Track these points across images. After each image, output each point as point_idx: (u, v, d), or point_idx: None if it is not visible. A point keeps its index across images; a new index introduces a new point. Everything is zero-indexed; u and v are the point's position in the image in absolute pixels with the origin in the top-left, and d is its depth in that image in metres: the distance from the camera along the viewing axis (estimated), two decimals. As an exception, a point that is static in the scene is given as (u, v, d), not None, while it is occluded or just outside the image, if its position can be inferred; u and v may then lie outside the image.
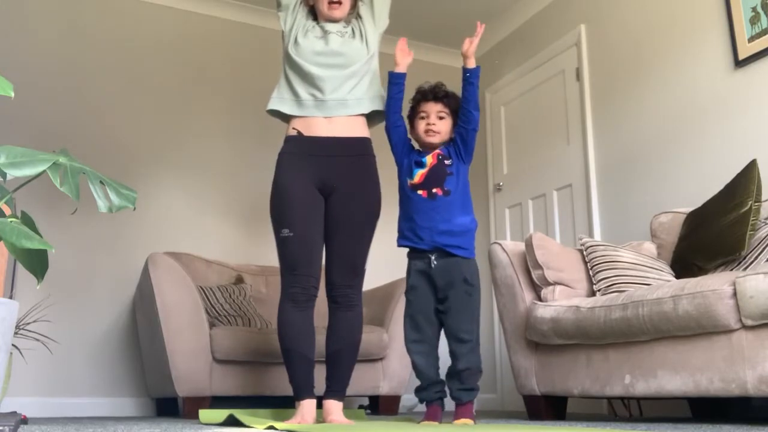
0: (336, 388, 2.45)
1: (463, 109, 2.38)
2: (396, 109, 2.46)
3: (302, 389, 2.38)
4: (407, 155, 2.45)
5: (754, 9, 3.07)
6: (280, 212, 2.45)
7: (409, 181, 2.40)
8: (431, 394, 2.35)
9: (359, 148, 2.53)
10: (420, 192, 2.37)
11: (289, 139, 2.53)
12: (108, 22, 4.29)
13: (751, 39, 3.08)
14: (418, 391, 2.38)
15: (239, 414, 2.43)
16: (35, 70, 4.03)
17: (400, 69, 2.46)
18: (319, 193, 2.47)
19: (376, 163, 2.57)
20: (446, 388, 2.37)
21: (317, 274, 2.45)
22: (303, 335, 2.40)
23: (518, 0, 4.61)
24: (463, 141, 2.40)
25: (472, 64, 2.38)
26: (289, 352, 2.40)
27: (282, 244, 2.43)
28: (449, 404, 2.39)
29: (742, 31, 3.11)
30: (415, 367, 2.36)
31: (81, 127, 4.08)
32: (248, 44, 4.60)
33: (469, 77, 2.37)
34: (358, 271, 2.50)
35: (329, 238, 2.49)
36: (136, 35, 4.35)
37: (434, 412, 2.35)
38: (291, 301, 2.40)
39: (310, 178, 2.46)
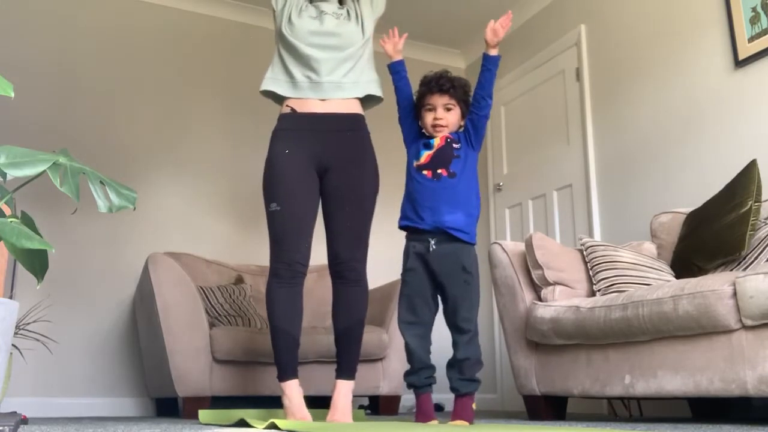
0: (348, 366, 2.44)
1: (478, 95, 2.38)
2: (404, 98, 2.48)
3: (284, 369, 2.36)
4: (416, 141, 2.45)
5: (754, 9, 3.07)
6: (270, 186, 2.43)
7: (415, 163, 2.40)
8: (421, 378, 2.30)
9: (354, 123, 2.52)
10: (425, 172, 2.36)
11: (283, 117, 2.51)
12: (107, 22, 4.29)
13: (751, 39, 3.08)
14: (407, 375, 2.34)
15: (247, 417, 2.42)
16: (35, 70, 4.03)
17: (396, 57, 2.51)
18: (314, 171, 2.46)
19: (371, 140, 2.56)
20: (435, 375, 2.34)
21: (304, 251, 2.40)
22: (287, 312, 2.36)
23: (518, 0, 4.61)
24: (474, 127, 2.40)
25: (494, 52, 2.38)
26: (273, 329, 2.38)
27: (269, 219, 2.41)
28: (448, 402, 2.38)
29: (742, 31, 3.11)
30: (407, 348, 2.32)
31: (81, 127, 4.08)
32: (248, 44, 4.60)
33: (489, 64, 2.38)
34: (363, 242, 2.47)
35: (331, 214, 2.47)
36: (135, 35, 4.35)
37: (426, 406, 2.30)
38: (275, 276, 2.38)
39: (305, 155, 2.44)
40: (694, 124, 3.35)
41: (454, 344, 2.30)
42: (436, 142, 2.38)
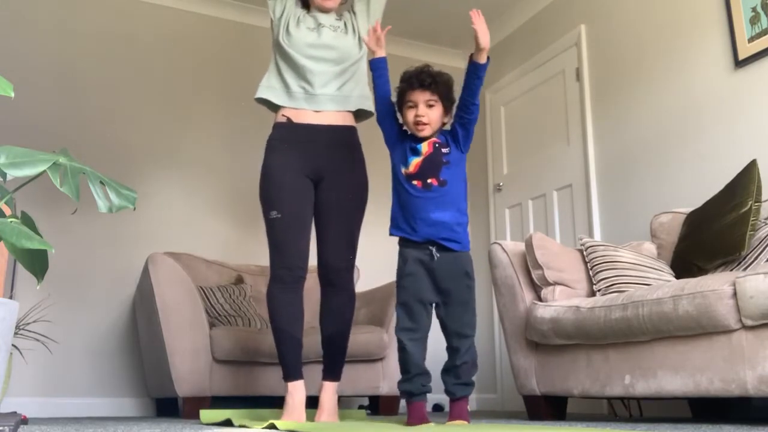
0: (334, 369, 2.53)
1: (467, 101, 2.28)
2: (382, 97, 2.36)
3: (289, 370, 2.43)
4: (400, 142, 2.34)
5: (754, 9, 3.07)
6: (269, 195, 2.49)
7: (403, 170, 2.29)
8: (417, 386, 2.21)
9: (346, 135, 2.58)
10: (415, 182, 2.26)
11: (278, 126, 2.57)
12: (107, 22, 4.29)
13: (751, 39, 3.08)
14: (402, 382, 2.25)
15: (236, 417, 2.44)
16: (35, 71, 4.03)
17: (378, 53, 2.37)
18: (308, 179, 2.52)
19: (362, 152, 2.62)
20: (431, 384, 2.26)
21: (304, 256, 2.47)
22: (290, 315, 2.44)
23: (518, 0, 4.61)
24: (465, 131, 2.30)
25: (484, 58, 2.25)
26: (276, 332, 2.45)
27: (270, 226, 2.47)
28: (447, 402, 2.35)
29: (742, 31, 3.11)
30: (405, 354, 2.22)
31: (81, 127, 4.08)
32: (249, 44, 4.60)
33: (480, 72, 2.26)
34: (351, 251, 2.55)
35: (322, 222, 2.54)
36: (135, 35, 4.35)
37: (420, 413, 2.22)
38: (278, 282, 2.45)
39: (299, 164, 2.50)
40: (694, 124, 3.35)
41: (454, 350, 2.24)
42: (424, 148, 2.28)
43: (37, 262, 1.72)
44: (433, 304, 2.29)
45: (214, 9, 4.59)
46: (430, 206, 2.25)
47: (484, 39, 2.22)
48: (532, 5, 4.58)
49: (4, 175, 1.59)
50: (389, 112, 2.38)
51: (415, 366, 2.21)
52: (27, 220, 1.73)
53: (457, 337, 2.24)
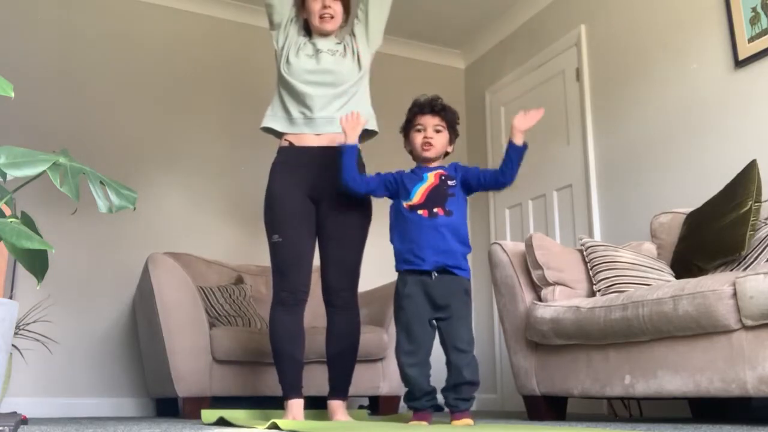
0: (339, 388, 2.53)
1: (499, 181, 2.36)
2: (368, 180, 2.42)
3: (290, 389, 2.46)
4: (401, 186, 2.38)
5: (754, 9, 3.08)
6: (272, 219, 2.53)
7: (405, 203, 2.34)
8: (423, 403, 2.29)
9: None
10: (420, 212, 2.30)
11: (281, 150, 2.61)
12: (107, 22, 4.29)
13: (751, 39, 3.08)
14: (408, 399, 2.31)
15: (230, 417, 2.45)
16: (36, 71, 4.03)
17: (351, 140, 2.39)
18: (310, 201, 2.54)
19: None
20: (437, 396, 2.31)
21: (306, 278, 2.51)
22: (291, 338, 2.47)
23: (518, 0, 4.61)
24: (480, 188, 2.40)
25: (519, 140, 2.32)
26: (278, 353, 2.48)
27: (273, 249, 2.52)
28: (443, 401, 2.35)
29: (742, 31, 3.11)
30: (406, 378, 2.28)
31: (81, 127, 4.08)
32: (250, 44, 4.60)
33: (510, 153, 2.33)
34: (353, 274, 2.57)
35: (324, 245, 2.56)
36: (135, 35, 4.35)
37: (423, 416, 2.30)
38: (280, 304, 2.48)
39: (302, 187, 2.52)
40: (694, 124, 3.35)
41: (455, 366, 2.25)
42: (430, 178, 2.34)
43: (37, 262, 1.72)
44: (434, 321, 2.31)
45: (215, 9, 4.59)
46: (438, 235, 2.28)
47: (519, 122, 2.31)
48: (532, 5, 4.57)
49: (4, 175, 1.59)
50: (381, 182, 2.42)
51: (418, 390, 2.27)
52: (27, 220, 1.73)
53: (455, 351, 2.26)
